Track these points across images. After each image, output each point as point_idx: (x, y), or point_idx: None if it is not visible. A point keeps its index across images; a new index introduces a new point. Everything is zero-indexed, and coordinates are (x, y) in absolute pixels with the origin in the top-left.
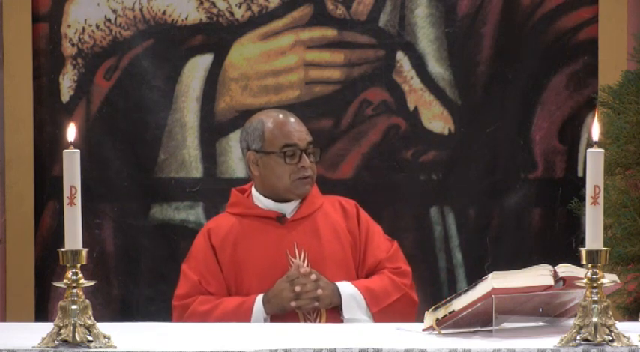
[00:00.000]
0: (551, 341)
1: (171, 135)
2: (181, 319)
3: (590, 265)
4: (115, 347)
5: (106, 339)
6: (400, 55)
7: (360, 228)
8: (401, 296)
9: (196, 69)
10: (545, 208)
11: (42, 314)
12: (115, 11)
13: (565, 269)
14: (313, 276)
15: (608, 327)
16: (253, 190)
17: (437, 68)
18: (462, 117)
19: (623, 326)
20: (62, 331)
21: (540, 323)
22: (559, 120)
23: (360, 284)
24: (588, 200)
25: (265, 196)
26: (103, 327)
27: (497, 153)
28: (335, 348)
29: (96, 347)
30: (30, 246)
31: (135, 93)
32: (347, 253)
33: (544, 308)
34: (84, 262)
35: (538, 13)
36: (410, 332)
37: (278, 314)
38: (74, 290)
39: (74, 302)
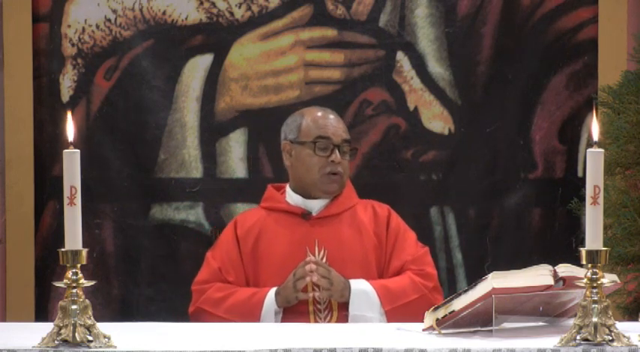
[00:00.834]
0: (551, 341)
1: (171, 135)
2: (196, 304)
3: (590, 265)
4: (115, 347)
5: (106, 339)
6: (400, 55)
7: (388, 232)
8: (419, 297)
9: (196, 69)
10: (545, 208)
11: (42, 314)
12: (115, 11)
13: (565, 269)
14: (321, 270)
15: (608, 327)
16: (287, 187)
17: (437, 68)
18: (462, 117)
19: (623, 326)
20: (62, 331)
21: (540, 323)
22: (559, 120)
23: (375, 282)
24: (588, 200)
25: (295, 191)
26: (103, 327)
27: (497, 153)
28: (335, 348)
29: (96, 347)
30: (30, 246)
31: (135, 93)
32: (369, 255)
33: (544, 308)
34: (84, 262)
35: (538, 13)
36: (410, 332)
37: (289, 307)
38: (74, 290)
39: (74, 302)
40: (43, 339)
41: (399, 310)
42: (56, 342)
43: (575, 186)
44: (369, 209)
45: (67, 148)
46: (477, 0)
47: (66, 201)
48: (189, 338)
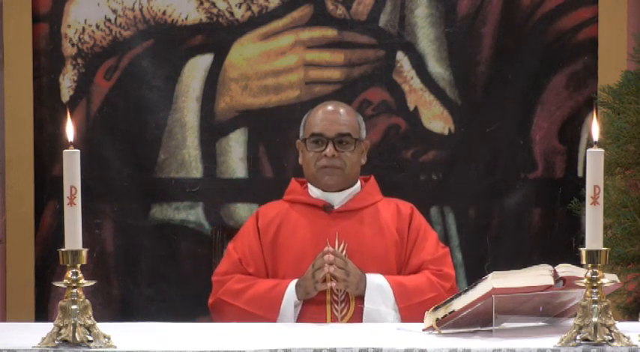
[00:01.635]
0: (551, 341)
1: (171, 135)
2: (216, 295)
3: (590, 265)
4: (115, 347)
5: (106, 339)
6: (400, 55)
7: (409, 229)
8: (435, 296)
9: (196, 69)
10: (545, 208)
11: (42, 314)
12: (115, 11)
13: (565, 269)
14: (338, 261)
15: (608, 327)
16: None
17: (437, 68)
18: (462, 117)
19: (623, 326)
20: (62, 331)
21: (540, 323)
22: (559, 120)
23: (392, 278)
24: (588, 200)
25: (314, 186)
26: (103, 327)
27: (497, 153)
28: (335, 348)
29: (96, 347)
30: (30, 246)
31: (135, 93)
32: (389, 251)
33: (544, 308)
34: (84, 262)
35: (538, 13)
36: (410, 332)
37: (308, 299)
38: (74, 290)
39: (74, 302)
40: (43, 339)
41: (413, 308)
42: (56, 342)
43: (575, 186)
44: (392, 206)
45: (67, 148)
46: (476, 0)
47: (66, 201)
48: (189, 338)
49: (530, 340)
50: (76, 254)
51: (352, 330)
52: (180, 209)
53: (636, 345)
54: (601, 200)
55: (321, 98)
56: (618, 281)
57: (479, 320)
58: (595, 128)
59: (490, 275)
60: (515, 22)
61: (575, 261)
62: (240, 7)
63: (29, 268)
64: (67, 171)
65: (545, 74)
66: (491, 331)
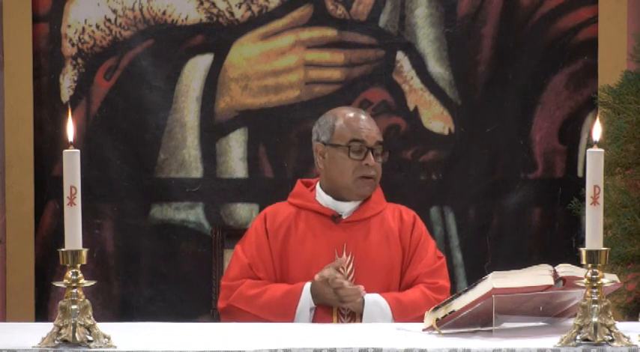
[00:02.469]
0: (551, 341)
1: (171, 135)
2: (227, 300)
3: (590, 265)
4: (115, 347)
5: (106, 339)
6: (400, 55)
7: (411, 239)
8: None
9: (196, 69)
10: (545, 208)
11: (42, 314)
12: (115, 11)
13: (565, 270)
14: (346, 283)
15: (608, 327)
16: (317, 186)
17: (437, 68)
18: (462, 117)
19: (623, 326)
20: (62, 331)
21: (540, 323)
22: (559, 120)
23: (388, 294)
24: (588, 200)
25: (327, 192)
26: (103, 327)
27: (497, 153)
28: (335, 348)
29: (96, 347)
30: (30, 246)
31: (135, 93)
32: (394, 260)
33: (544, 308)
34: (84, 262)
35: (538, 13)
36: (410, 332)
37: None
38: (74, 290)
39: (74, 302)
40: (43, 339)
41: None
42: (56, 342)
43: (575, 186)
44: (396, 214)
45: (67, 148)
46: (476, 0)
47: (66, 201)
48: (189, 338)
49: (530, 340)
50: (76, 254)
51: (352, 330)
52: (180, 209)
53: (636, 345)
54: (601, 200)
55: (321, 98)
56: (618, 281)
57: (479, 320)
58: (595, 128)
59: (490, 275)
60: (515, 22)
61: (575, 261)
62: (240, 7)
63: (29, 268)
64: (67, 171)
65: (545, 74)
66: (491, 331)
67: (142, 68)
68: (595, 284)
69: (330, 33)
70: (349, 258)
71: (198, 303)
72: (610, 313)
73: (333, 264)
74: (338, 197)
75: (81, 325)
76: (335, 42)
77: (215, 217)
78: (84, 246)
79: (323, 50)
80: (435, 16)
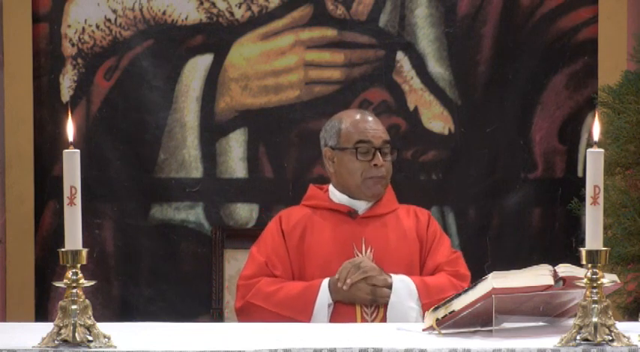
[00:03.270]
0: (551, 341)
1: (171, 135)
2: (244, 299)
3: (590, 265)
4: (115, 347)
5: (106, 339)
6: (400, 55)
7: (427, 235)
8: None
9: (196, 69)
10: (545, 208)
11: (42, 314)
12: (115, 11)
13: (565, 269)
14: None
15: (608, 327)
16: (330, 187)
17: (437, 68)
18: (462, 117)
19: (623, 326)
20: (62, 331)
21: (540, 323)
22: (559, 120)
23: (414, 277)
24: (588, 200)
25: (342, 193)
26: (103, 327)
27: (497, 153)
28: (335, 348)
29: (96, 347)
30: (30, 246)
31: (135, 93)
32: (413, 255)
33: (544, 308)
34: (84, 262)
35: (538, 13)
36: (410, 332)
37: (341, 301)
38: (74, 290)
39: (74, 302)
40: (43, 339)
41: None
42: (56, 342)
43: (575, 186)
44: (411, 213)
45: (67, 148)
46: (476, 0)
47: (66, 201)
48: (189, 338)
49: (530, 340)
50: (76, 254)
51: (352, 330)
52: (180, 209)
53: (636, 345)
54: (601, 200)
55: (321, 98)
56: (618, 281)
57: (479, 320)
58: (595, 128)
59: (490, 275)
60: (515, 22)
61: (575, 261)
62: (240, 7)
63: (29, 268)
64: (67, 171)
65: (545, 74)
66: (491, 331)
67: (142, 68)
68: (595, 284)
69: (330, 33)
70: (369, 251)
71: (198, 303)
72: (610, 313)
73: (354, 260)
74: (352, 197)
75: (81, 325)
76: (335, 42)
77: (215, 217)
78: (84, 246)
79: (323, 50)
80: (435, 16)
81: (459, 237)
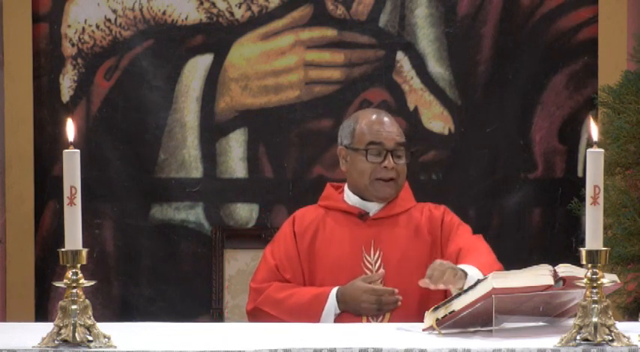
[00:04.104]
0: (551, 341)
1: (171, 135)
2: (255, 302)
3: (590, 265)
4: (115, 347)
5: (106, 339)
6: (400, 55)
7: (442, 226)
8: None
9: (196, 69)
10: (545, 208)
11: (42, 314)
12: (115, 11)
13: (565, 270)
14: (396, 290)
15: (608, 327)
16: (345, 187)
17: (437, 68)
18: (462, 117)
19: (623, 326)
20: (62, 331)
21: (540, 323)
22: (559, 120)
23: (476, 267)
24: (588, 200)
25: (354, 193)
26: (103, 327)
27: (497, 153)
28: (335, 348)
29: (96, 347)
30: (30, 246)
31: (135, 93)
32: (423, 255)
33: (544, 308)
34: (84, 262)
35: (538, 13)
36: (410, 332)
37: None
38: (74, 290)
39: (74, 302)
40: (43, 339)
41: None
42: (56, 342)
43: (575, 186)
44: (425, 210)
45: (67, 148)
46: (476, 0)
47: (66, 201)
48: (189, 338)
49: (530, 340)
50: (76, 254)
51: (352, 330)
52: (180, 209)
53: (636, 345)
54: (601, 200)
55: (321, 98)
56: (618, 281)
57: (479, 320)
58: (595, 128)
59: (490, 275)
60: (515, 22)
61: (575, 261)
62: (240, 7)
63: (29, 268)
64: (67, 171)
65: (545, 74)
66: (491, 331)
67: (142, 68)
68: (595, 284)
69: (330, 33)
70: (377, 254)
71: (198, 303)
72: (610, 313)
73: (367, 277)
74: (364, 197)
75: (81, 325)
76: (335, 42)
77: (215, 217)
78: (84, 246)
79: (323, 50)
80: (435, 16)
81: None
